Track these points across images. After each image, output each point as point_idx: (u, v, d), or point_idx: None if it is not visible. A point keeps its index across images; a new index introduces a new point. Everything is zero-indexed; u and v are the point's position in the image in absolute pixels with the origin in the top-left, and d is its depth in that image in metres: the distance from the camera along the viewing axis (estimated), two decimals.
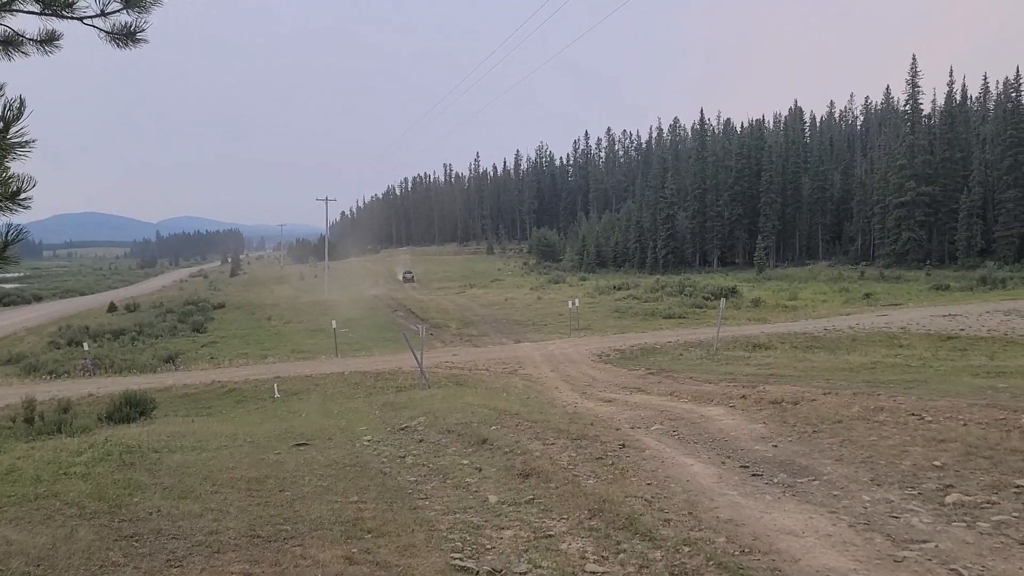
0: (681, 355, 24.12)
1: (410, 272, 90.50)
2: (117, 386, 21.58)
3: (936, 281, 55.24)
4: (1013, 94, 74.94)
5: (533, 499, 7.12)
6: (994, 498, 6.23)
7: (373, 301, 64.36)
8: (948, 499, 6.30)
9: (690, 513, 6.42)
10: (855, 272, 69.64)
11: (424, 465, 9.01)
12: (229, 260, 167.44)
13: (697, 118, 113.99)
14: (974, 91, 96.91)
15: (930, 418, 9.93)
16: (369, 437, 11.20)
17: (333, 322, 34.09)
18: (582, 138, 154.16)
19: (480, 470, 8.51)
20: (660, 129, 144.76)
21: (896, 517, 6.01)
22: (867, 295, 47.28)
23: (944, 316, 31.30)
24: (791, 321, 33.98)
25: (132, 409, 16.72)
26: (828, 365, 19.66)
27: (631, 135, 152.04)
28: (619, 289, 57.85)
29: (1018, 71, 72.92)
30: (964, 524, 5.73)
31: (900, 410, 10.65)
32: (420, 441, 10.71)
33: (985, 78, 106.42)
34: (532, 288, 68.34)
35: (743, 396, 14.22)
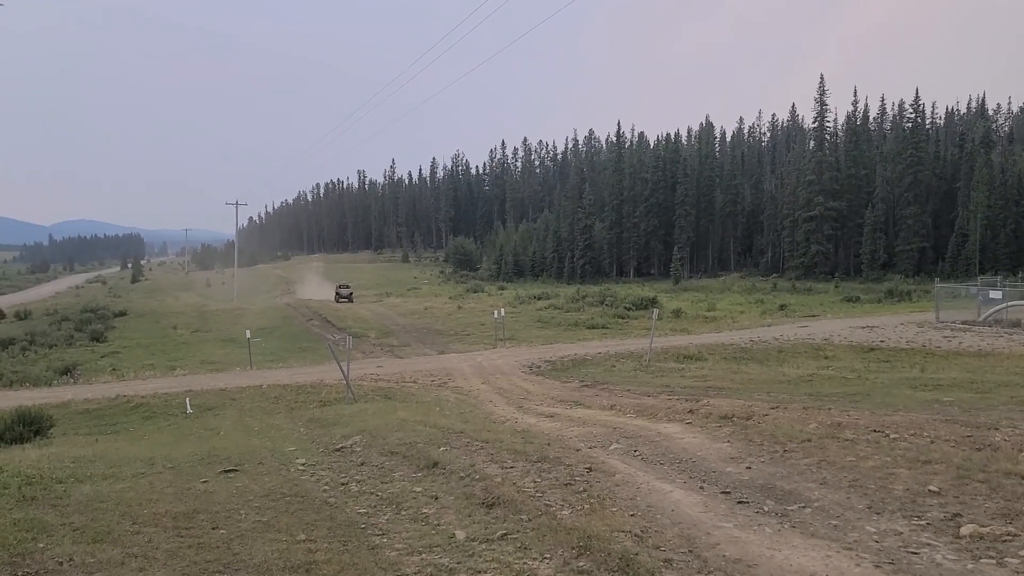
0: (613, 367, 23.73)
1: (347, 287, 69.93)
2: (7, 401, 19.59)
3: (846, 293, 57.25)
4: (911, 114, 78.78)
5: (506, 534, 6.34)
6: (1011, 529, 5.82)
7: (286, 309, 62.14)
8: (963, 531, 5.85)
9: (690, 551, 5.77)
10: (767, 284, 71.68)
11: (372, 493, 8.12)
12: (129, 265, 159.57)
13: (614, 130, 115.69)
14: (872, 111, 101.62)
15: (895, 435, 9.65)
16: (303, 460, 10.21)
17: (247, 332, 32.36)
18: (498, 147, 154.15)
19: (437, 499, 7.68)
20: (576, 140, 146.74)
21: (915, 553, 5.51)
22: (782, 306, 48.44)
23: (862, 328, 32.09)
24: (715, 332, 34.25)
25: (26, 428, 15.07)
26: (764, 377, 19.58)
27: (547, 145, 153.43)
28: (539, 299, 57.54)
29: (917, 93, 76.77)
30: (993, 561, 5.27)
31: (860, 426, 10.36)
32: (361, 464, 9.79)
33: (883, 99, 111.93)
34: (451, 297, 67.43)
35: (691, 411, 13.80)
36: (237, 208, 77.81)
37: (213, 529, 6.65)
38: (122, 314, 57.90)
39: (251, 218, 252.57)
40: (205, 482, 8.58)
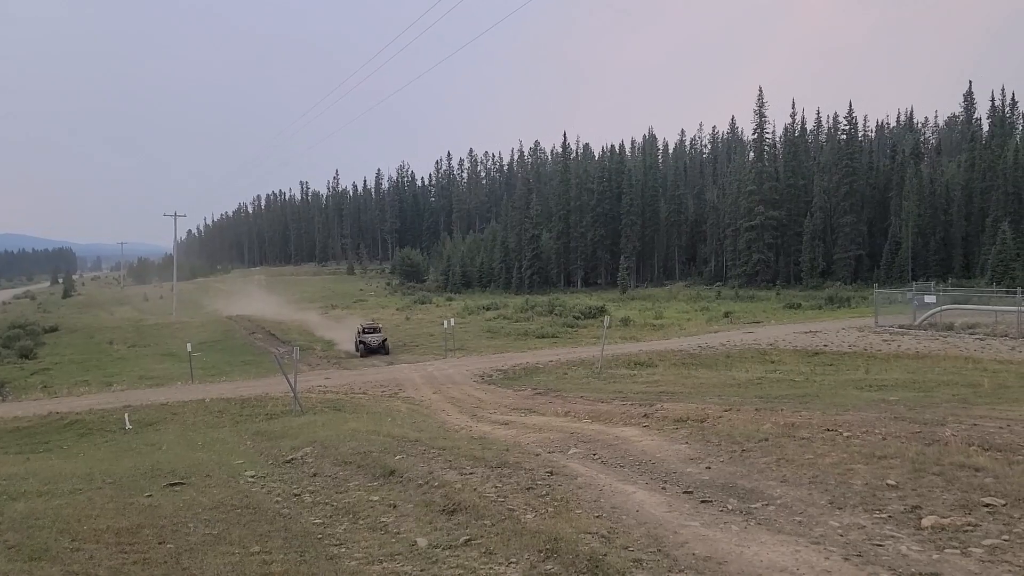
0: (565, 374, 23.74)
1: (376, 329, 40.99)
2: None
3: (787, 300, 58.62)
4: (846, 127, 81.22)
5: (470, 540, 6.18)
6: (971, 519, 5.88)
7: (227, 323, 60.99)
8: (924, 522, 5.89)
9: (659, 550, 5.67)
10: (711, 292, 72.91)
11: (327, 503, 7.89)
12: (60, 281, 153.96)
13: (559, 141, 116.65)
14: (809, 123, 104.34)
15: (848, 433, 9.76)
16: (252, 472, 9.89)
17: (188, 345, 31.51)
18: (444, 158, 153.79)
19: (395, 507, 7.48)
20: (521, 151, 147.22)
21: (880, 545, 5.52)
22: (727, 313, 49.31)
23: (805, 333, 32.77)
24: (663, 339, 34.58)
25: None
26: (715, 381, 19.78)
27: (493, 156, 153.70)
28: (488, 309, 57.58)
29: (850, 106, 79.19)
30: (957, 551, 5.30)
31: (814, 426, 10.47)
32: (314, 475, 9.53)
33: (818, 112, 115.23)
34: (399, 309, 66.93)
35: (646, 415, 13.82)
36: (176, 220, 75.78)
37: (160, 544, 6.33)
38: (53, 330, 56.09)
39: (190, 231, 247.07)
40: (149, 496, 8.21)
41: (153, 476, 9.48)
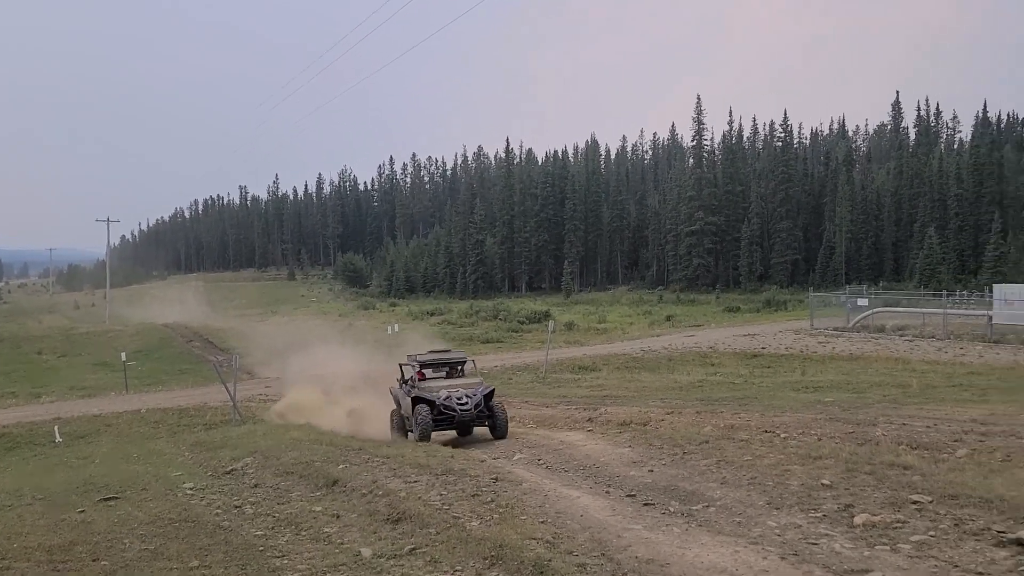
0: (510, 379, 23.84)
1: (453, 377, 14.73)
2: None
3: (727, 304, 59.79)
4: (781, 134, 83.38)
5: (415, 549, 6.17)
6: (900, 516, 6.10)
7: (163, 331, 59.31)
8: (857, 520, 6.10)
9: (603, 554, 5.75)
10: (654, 296, 73.93)
11: (269, 515, 7.78)
12: None
13: (502, 147, 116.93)
14: (746, 131, 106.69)
15: (785, 434, 10.03)
16: (191, 484, 9.68)
17: (123, 354, 30.57)
18: (387, 163, 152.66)
19: (338, 517, 7.42)
20: (465, 156, 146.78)
21: (815, 544, 5.70)
22: (668, 317, 50.08)
23: (744, 336, 33.51)
24: (607, 343, 34.96)
25: None
26: (657, 385, 20.10)
27: (436, 161, 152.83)
28: (433, 315, 57.41)
29: (785, 114, 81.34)
30: (887, 548, 5.50)
31: (753, 428, 10.73)
32: (255, 486, 9.38)
33: (755, 120, 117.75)
34: (341, 314, 66.20)
35: (590, 419, 13.97)
36: (108, 225, 73.31)
37: (93, 561, 6.17)
38: None
39: (124, 236, 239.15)
40: (82, 512, 7.98)
41: (86, 491, 9.21)
